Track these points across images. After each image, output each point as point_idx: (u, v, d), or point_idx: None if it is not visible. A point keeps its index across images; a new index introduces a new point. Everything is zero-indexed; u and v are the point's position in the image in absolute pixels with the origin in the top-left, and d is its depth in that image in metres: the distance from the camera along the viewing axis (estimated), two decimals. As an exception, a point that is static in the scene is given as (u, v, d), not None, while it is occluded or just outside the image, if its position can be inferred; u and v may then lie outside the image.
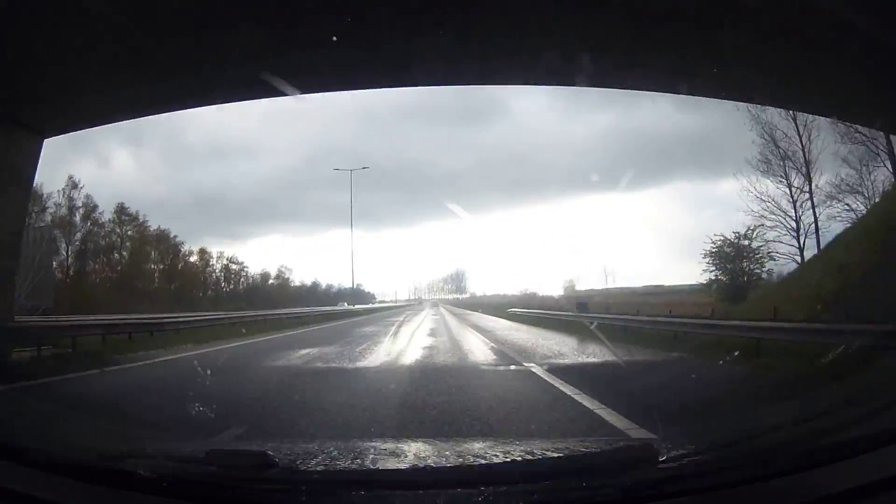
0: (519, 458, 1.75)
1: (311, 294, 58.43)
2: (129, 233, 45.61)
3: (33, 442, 1.78)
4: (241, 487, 1.39)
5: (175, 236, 48.47)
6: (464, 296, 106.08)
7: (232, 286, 54.41)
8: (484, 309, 49.90)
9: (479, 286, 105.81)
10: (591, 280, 71.15)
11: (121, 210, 45.18)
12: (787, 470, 1.19)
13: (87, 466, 1.53)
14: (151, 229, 46.67)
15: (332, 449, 2.13)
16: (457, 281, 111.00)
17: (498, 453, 1.91)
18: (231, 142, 78.85)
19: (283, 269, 61.10)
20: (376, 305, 70.77)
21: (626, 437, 4.52)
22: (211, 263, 52.17)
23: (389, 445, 2.37)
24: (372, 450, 2.16)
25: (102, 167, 62.92)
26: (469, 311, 49.08)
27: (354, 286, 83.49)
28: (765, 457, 1.26)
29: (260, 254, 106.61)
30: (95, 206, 42.15)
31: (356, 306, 56.42)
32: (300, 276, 67.57)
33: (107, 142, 69.43)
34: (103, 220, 43.36)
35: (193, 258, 50.12)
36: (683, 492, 1.18)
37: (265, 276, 58.13)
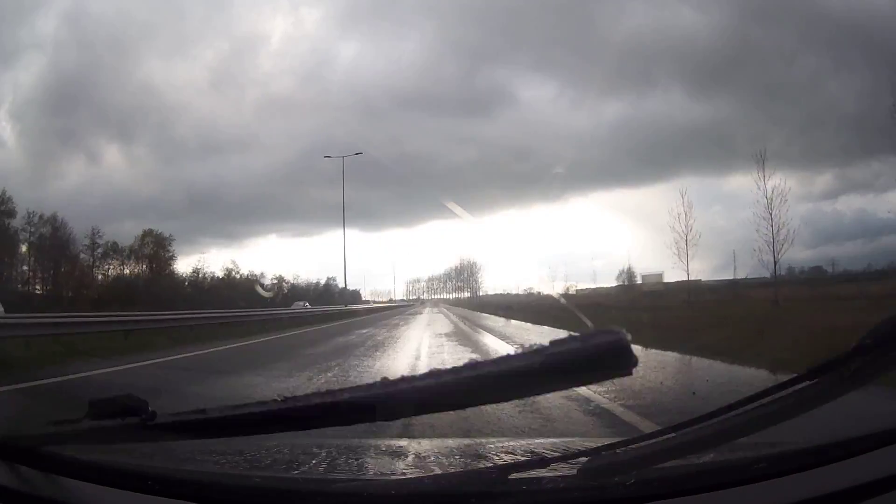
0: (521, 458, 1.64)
1: (243, 287, 46.75)
2: None
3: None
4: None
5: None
6: (465, 295, 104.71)
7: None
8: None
9: (483, 285, 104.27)
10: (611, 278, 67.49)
11: None
12: (786, 469, 1.15)
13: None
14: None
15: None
16: (463, 277, 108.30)
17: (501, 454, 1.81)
18: (223, 136, 76.90)
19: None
20: (349, 308, 46.27)
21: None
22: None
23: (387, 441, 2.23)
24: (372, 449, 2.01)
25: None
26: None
27: (327, 282, 67.87)
28: (764, 455, 1.19)
29: (256, 254, 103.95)
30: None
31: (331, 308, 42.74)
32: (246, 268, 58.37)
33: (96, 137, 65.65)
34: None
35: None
36: (678, 492, 1.13)
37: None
